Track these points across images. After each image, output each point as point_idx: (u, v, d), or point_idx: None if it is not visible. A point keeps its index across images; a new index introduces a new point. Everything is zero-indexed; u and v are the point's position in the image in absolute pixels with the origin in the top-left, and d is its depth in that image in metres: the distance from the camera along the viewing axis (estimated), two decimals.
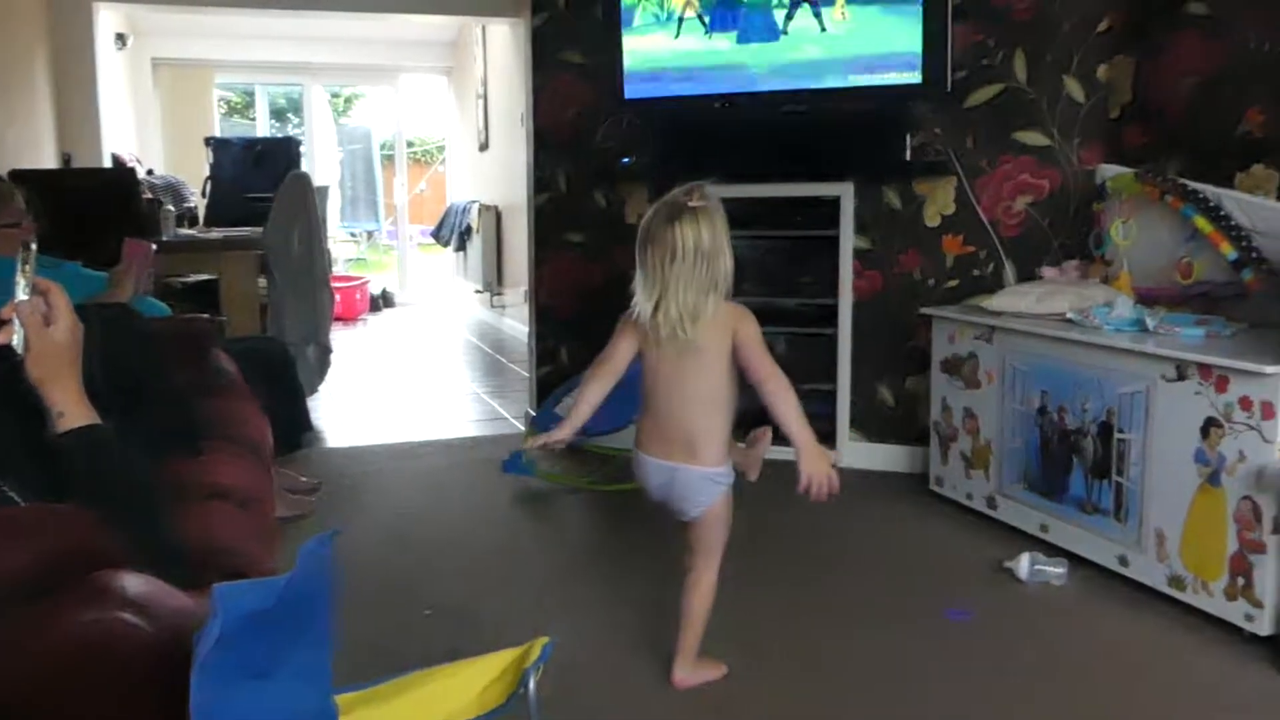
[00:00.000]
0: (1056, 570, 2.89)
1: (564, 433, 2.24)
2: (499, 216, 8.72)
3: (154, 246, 3.72)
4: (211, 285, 5.02)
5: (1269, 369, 2.36)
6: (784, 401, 2.16)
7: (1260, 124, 3.03)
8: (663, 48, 4.03)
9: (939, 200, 3.85)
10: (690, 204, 2.18)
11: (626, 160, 4.28)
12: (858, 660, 2.46)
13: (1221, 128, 3.17)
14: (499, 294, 8.81)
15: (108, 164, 6.20)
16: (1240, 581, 2.47)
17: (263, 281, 5.19)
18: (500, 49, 8.16)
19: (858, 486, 3.88)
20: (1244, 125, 3.08)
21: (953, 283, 3.86)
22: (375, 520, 3.54)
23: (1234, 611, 2.50)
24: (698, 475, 2.23)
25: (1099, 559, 2.91)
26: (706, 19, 3.95)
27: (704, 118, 4.10)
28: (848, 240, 4.01)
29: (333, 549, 1.18)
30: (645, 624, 2.69)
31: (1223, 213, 2.93)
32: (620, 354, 2.26)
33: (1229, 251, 2.90)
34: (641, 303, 2.19)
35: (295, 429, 4.40)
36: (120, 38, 7.87)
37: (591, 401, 2.26)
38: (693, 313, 2.14)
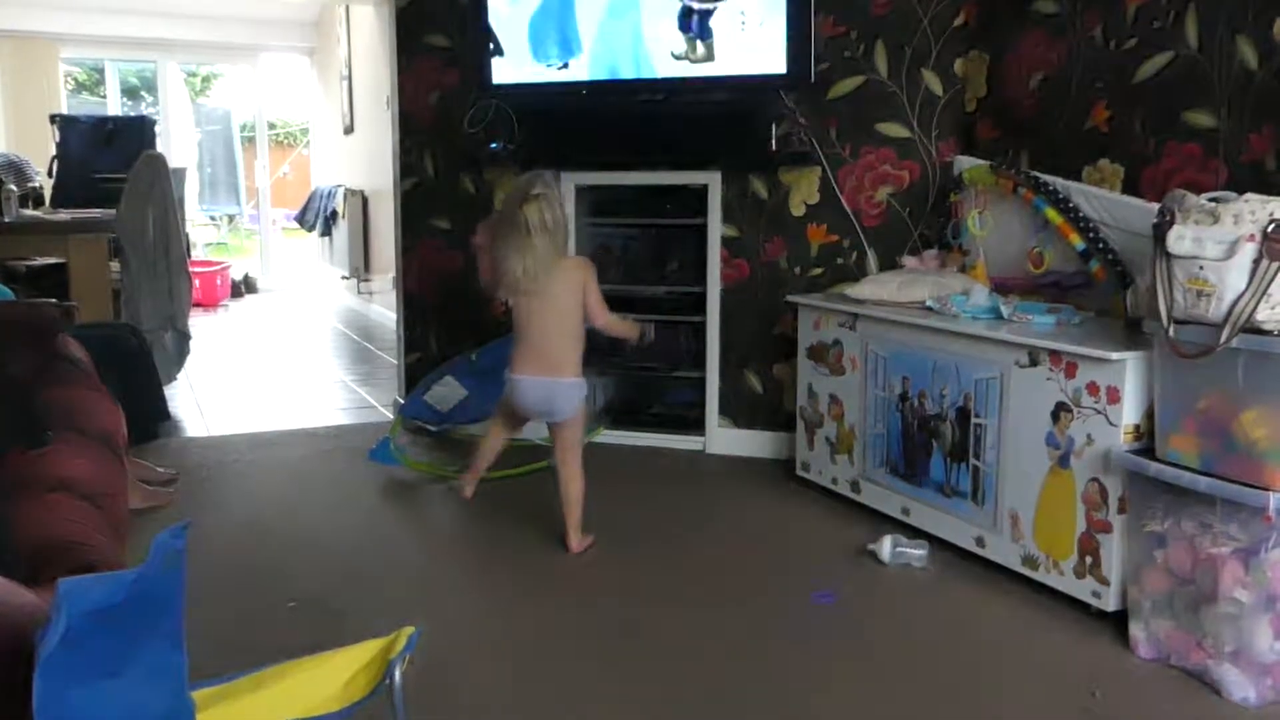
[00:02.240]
0: (917, 552, 2.97)
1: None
2: (365, 201, 8.55)
3: None
4: (60, 269, 4.82)
5: (1114, 355, 2.47)
6: (609, 325, 3.08)
7: (1106, 120, 3.16)
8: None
9: (803, 190, 3.92)
10: (533, 192, 2.89)
11: (495, 146, 4.24)
12: (722, 642, 2.49)
13: (1069, 123, 3.29)
14: (366, 280, 8.66)
15: None
16: (1088, 560, 2.58)
17: (115, 265, 5.00)
18: (364, 30, 8.00)
19: (725, 472, 3.93)
20: (1090, 121, 3.21)
21: (817, 271, 3.93)
22: (236, 511, 3.44)
23: (1082, 589, 2.60)
24: (565, 385, 2.98)
25: (958, 540, 3.00)
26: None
27: (570, 105, 4.09)
28: (716, 229, 4.05)
29: (187, 541, 1.14)
30: (511, 613, 2.69)
31: (1071, 205, 3.05)
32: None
33: (1077, 242, 3.02)
34: (512, 267, 2.89)
35: (151, 418, 4.27)
36: None
37: None
38: (545, 270, 2.90)
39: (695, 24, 3.74)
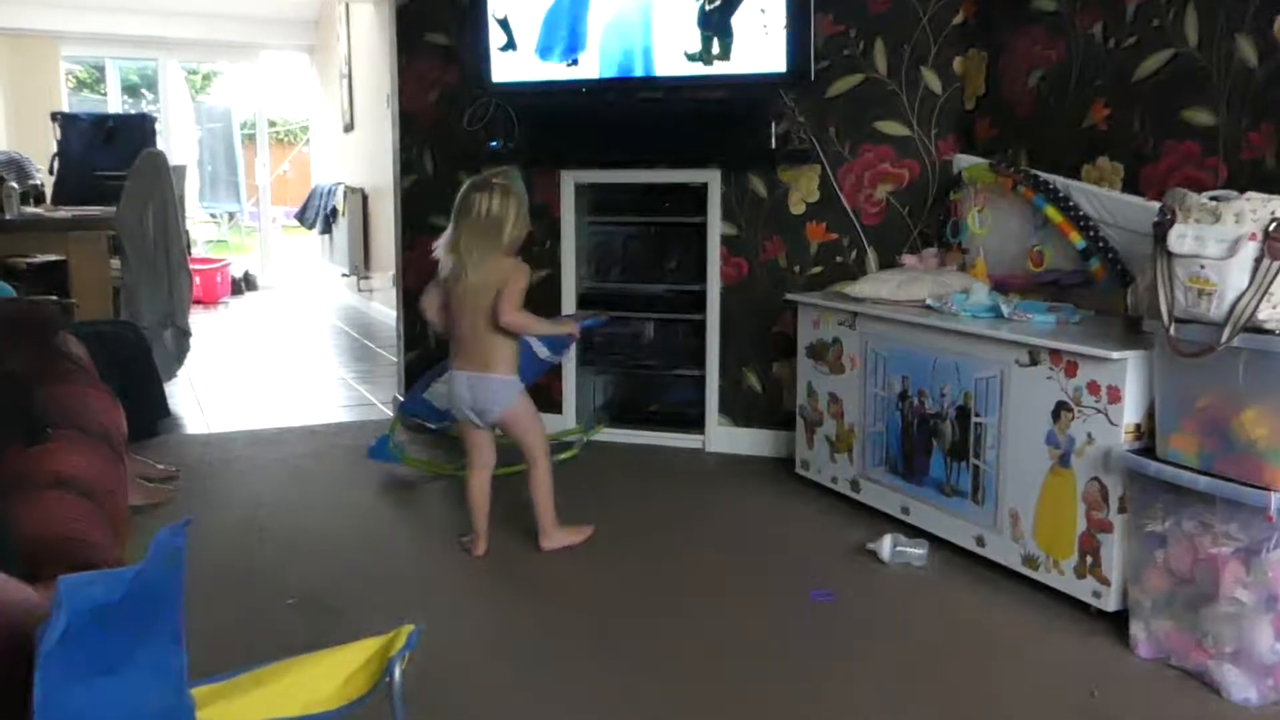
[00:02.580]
0: (917, 551, 2.97)
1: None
2: (365, 199, 8.55)
3: None
4: (60, 266, 4.82)
5: (1115, 354, 2.46)
6: (513, 323, 2.87)
7: (1105, 118, 3.16)
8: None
9: (803, 188, 3.92)
10: (493, 180, 2.84)
11: (495, 144, 4.24)
12: (721, 641, 2.49)
13: (1069, 121, 3.29)
14: (366, 278, 8.65)
15: None
16: (1089, 560, 2.58)
17: (116, 263, 5.00)
18: (364, 28, 8.00)
19: (725, 470, 3.93)
20: (1089, 119, 3.21)
21: (817, 269, 3.93)
22: (235, 508, 3.44)
23: (1083, 589, 2.60)
24: (495, 382, 2.90)
25: (957, 540, 3.00)
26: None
27: (569, 103, 4.08)
28: (715, 227, 4.04)
29: (186, 539, 1.14)
30: (510, 611, 2.69)
31: (1071, 203, 3.04)
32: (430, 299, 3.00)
33: (1077, 241, 3.01)
34: (443, 248, 2.88)
35: (151, 415, 4.27)
36: None
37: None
38: (477, 261, 2.81)
39: (716, 21, 3.73)
